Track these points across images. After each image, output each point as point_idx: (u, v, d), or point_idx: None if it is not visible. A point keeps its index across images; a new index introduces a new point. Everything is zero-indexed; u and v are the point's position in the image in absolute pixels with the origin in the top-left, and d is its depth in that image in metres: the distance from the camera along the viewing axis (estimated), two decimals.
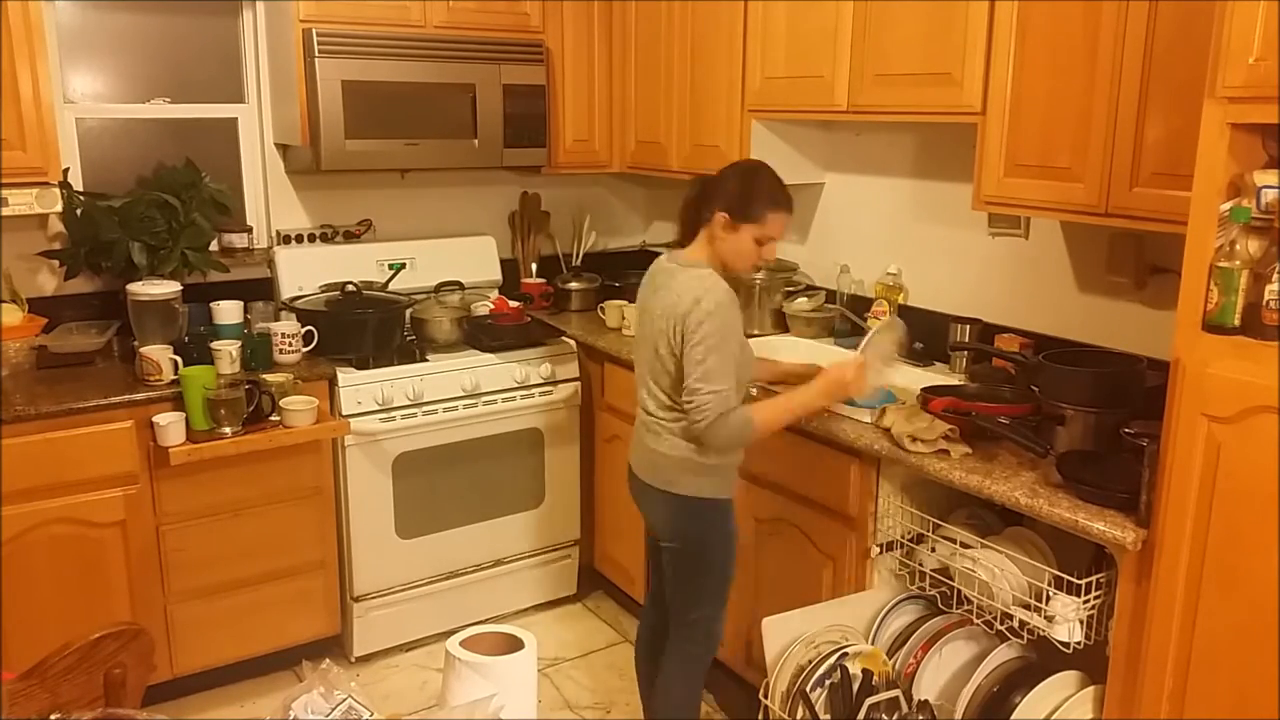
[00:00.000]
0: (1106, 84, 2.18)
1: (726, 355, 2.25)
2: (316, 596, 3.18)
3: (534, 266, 4.02)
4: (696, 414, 2.24)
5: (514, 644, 1.35)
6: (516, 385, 3.36)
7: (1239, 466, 1.77)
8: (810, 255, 3.56)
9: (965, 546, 2.27)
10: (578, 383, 3.49)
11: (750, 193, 2.31)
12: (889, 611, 2.48)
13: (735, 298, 2.31)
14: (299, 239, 3.61)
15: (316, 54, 3.12)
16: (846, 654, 2.28)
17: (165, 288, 3.05)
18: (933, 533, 2.39)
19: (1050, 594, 2.10)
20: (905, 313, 3.18)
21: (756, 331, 3.37)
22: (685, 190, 2.46)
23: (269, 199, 3.57)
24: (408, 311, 3.41)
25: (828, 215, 3.49)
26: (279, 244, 3.57)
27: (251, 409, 2.84)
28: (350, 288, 3.35)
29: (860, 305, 3.27)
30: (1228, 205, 1.76)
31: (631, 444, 2.53)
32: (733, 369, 2.27)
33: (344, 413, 3.06)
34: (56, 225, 3.18)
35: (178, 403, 2.81)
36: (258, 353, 3.06)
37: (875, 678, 2.27)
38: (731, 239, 2.32)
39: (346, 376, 3.09)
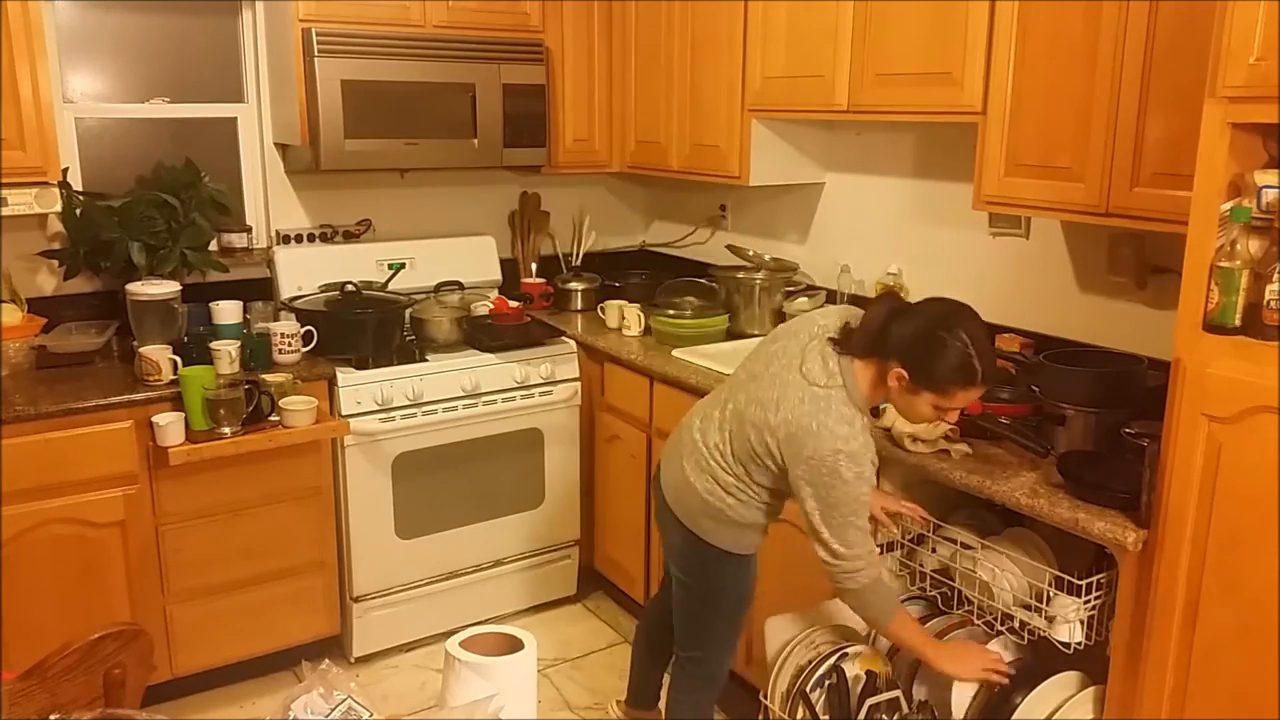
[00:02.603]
0: (1107, 84, 2.18)
1: (864, 514, 2.03)
2: (316, 597, 3.18)
3: (534, 266, 4.02)
4: (846, 578, 2.05)
5: (514, 644, 1.35)
6: (516, 385, 3.36)
7: (1239, 466, 1.76)
8: (810, 255, 3.56)
9: (966, 547, 2.27)
10: (578, 383, 3.49)
11: (944, 367, 1.93)
12: None
13: (873, 452, 2.05)
14: (298, 239, 3.61)
15: (316, 54, 3.12)
16: (846, 654, 2.28)
17: (165, 288, 3.05)
18: (933, 533, 2.39)
19: (1051, 594, 2.10)
20: None
21: (757, 331, 3.38)
22: (884, 296, 2.18)
23: (268, 199, 3.57)
24: (407, 311, 3.41)
25: (828, 215, 3.49)
26: (278, 244, 3.57)
27: (251, 409, 2.84)
28: (350, 288, 3.35)
29: (860, 305, 3.27)
30: (1228, 205, 1.76)
31: (665, 455, 2.40)
32: (868, 533, 2.07)
33: (343, 413, 3.06)
34: (56, 225, 3.17)
35: (177, 403, 2.81)
36: (257, 353, 3.06)
37: (878, 679, 2.26)
38: (904, 397, 2.02)
39: (346, 376, 3.09)
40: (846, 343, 2.08)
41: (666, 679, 2.62)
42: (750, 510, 2.23)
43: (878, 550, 2.07)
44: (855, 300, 3.31)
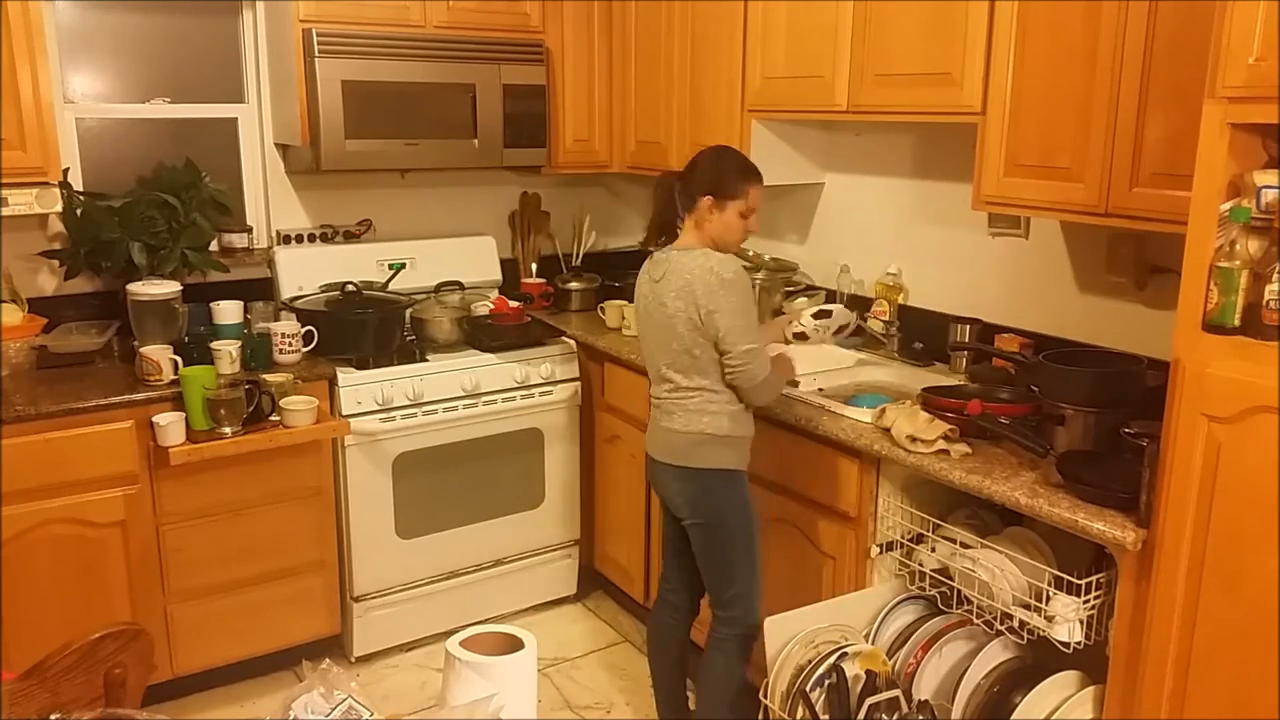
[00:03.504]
0: (1106, 84, 2.18)
1: (753, 315, 2.41)
2: (316, 596, 3.18)
3: (534, 266, 4.02)
4: (745, 375, 2.38)
5: (514, 644, 1.35)
6: (516, 385, 3.36)
7: (1239, 466, 1.77)
8: (810, 255, 3.56)
9: (965, 546, 2.27)
10: (578, 383, 3.49)
11: (727, 171, 2.45)
12: (889, 611, 2.48)
13: (741, 267, 2.43)
14: (299, 239, 3.61)
15: (316, 54, 3.12)
16: (846, 654, 2.28)
17: (165, 288, 3.05)
18: (933, 533, 2.39)
19: (1050, 594, 2.10)
20: (905, 313, 3.18)
21: None
22: (656, 186, 2.58)
23: (269, 199, 3.58)
24: (408, 311, 3.41)
25: (828, 215, 3.49)
26: (279, 244, 3.57)
27: (251, 409, 2.84)
28: (350, 288, 3.35)
29: (860, 305, 3.27)
30: (1228, 205, 1.76)
31: (647, 434, 2.62)
32: (758, 328, 2.44)
33: (344, 413, 3.06)
34: (56, 225, 3.18)
35: (178, 403, 2.81)
36: (258, 353, 3.06)
37: (878, 678, 2.27)
38: (719, 218, 2.45)
39: (346, 376, 3.09)
40: (660, 240, 2.55)
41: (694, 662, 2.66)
42: (723, 419, 2.45)
43: (764, 350, 2.44)
44: (854, 300, 3.31)
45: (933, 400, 2.48)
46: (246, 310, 3.26)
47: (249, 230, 3.47)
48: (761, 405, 2.53)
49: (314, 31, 3.11)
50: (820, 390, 2.82)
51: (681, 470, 2.49)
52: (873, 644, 2.39)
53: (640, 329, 2.60)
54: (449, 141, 3.42)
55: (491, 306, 3.54)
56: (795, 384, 2.75)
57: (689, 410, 2.46)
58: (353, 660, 3.30)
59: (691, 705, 2.78)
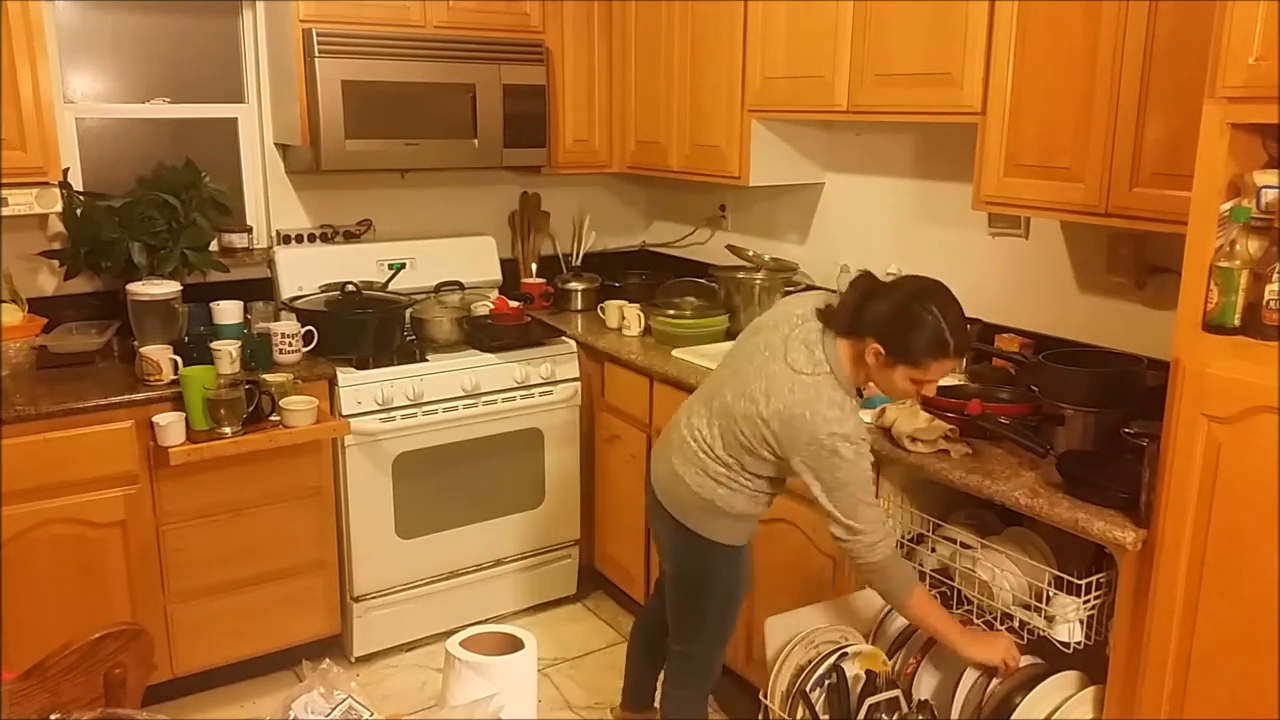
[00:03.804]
0: (1106, 84, 2.18)
1: (869, 487, 2.08)
2: (316, 596, 3.18)
3: (534, 266, 4.02)
4: (857, 557, 2.09)
5: (514, 644, 1.35)
6: (516, 385, 3.36)
7: (1239, 466, 1.77)
8: (810, 255, 3.56)
9: (965, 546, 2.27)
10: (578, 383, 3.49)
11: (919, 341, 2.00)
12: (889, 611, 2.47)
13: (865, 429, 2.12)
14: (299, 239, 3.61)
15: (316, 54, 3.12)
16: (846, 654, 2.28)
17: (165, 288, 3.05)
18: (933, 533, 2.39)
19: (1050, 594, 2.10)
20: None
21: None
22: (861, 278, 2.17)
23: (269, 199, 3.58)
24: (408, 311, 3.41)
25: (828, 215, 3.49)
26: (279, 244, 3.57)
27: (251, 409, 2.84)
28: (350, 288, 3.35)
29: None
30: (1228, 205, 1.76)
31: (655, 453, 2.44)
32: (876, 504, 2.12)
33: (344, 413, 3.06)
34: (56, 225, 3.18)
35: (178, 403, 2.81)
36: (258, 353, 3.06)
37: (878, 678, 2.27)
38: (881, 373, 2.08)
39: (346, 376, 3.09)
40: (827, 324, 2.13)
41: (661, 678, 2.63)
42: (740, 499, 2.25)
43: (891, 525, 2.12)
44: None
45: (933, 400, 2.47)
46: (246, 310, 3.26)
47: (249, 230, 3.47)
48: (872, 585, 2.17)
49: (314, 31, 3.11)
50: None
51: (678, 525, 2.32)
52: (873, 644, 2.39)
53: (733, 351, 2.30)
54: (449, 141, 3.42)
55: (491, 306, 3.54)
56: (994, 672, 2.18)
57: (708, 474, 2.23)
58: (353, 660, 3.30)
59: (656, 700, 2.76)
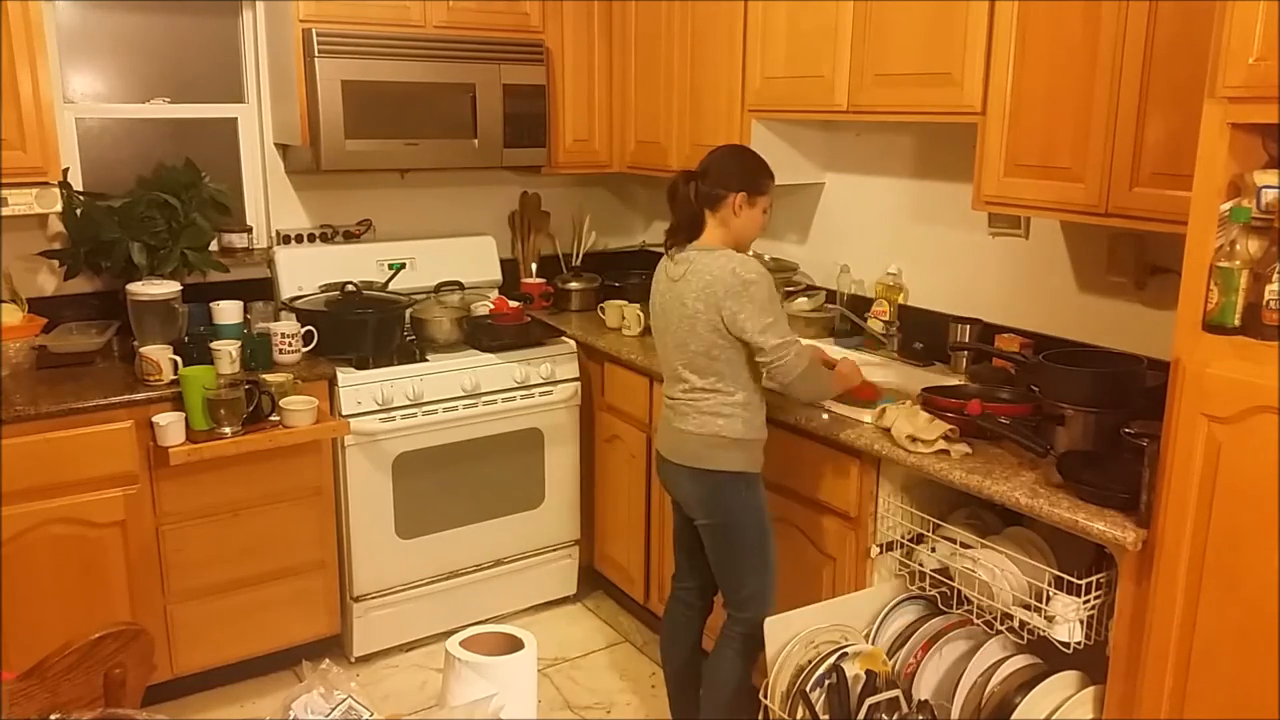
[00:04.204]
0: (1106, 84, 2.18)
1: (779, 311, 2.39)
2: (316, 596, 3.18)
3: (534, 266, 4.02)
4: (780, 369, 2.35)
5: (514, 644, 1.35)
6: (516, 385, 3.36)
7: (1239, 466, 1.77)
8: (810, 255, 3.56)
9: (965, 546, 2.27)
10: (578, 383, 3.49)
11: (757, 169, 2.50)
12: (889, 611, 2.48)
13: (756, 259, 2.45)
14: (299, 239, 3.61)
15: (316, 54, 3.12)
16: (846, 654, 2.28)
17: (165, 288, 3.05)
18: (933, 533, 2.39)
19: (1050, 594, 2.10)
20: (905, 312, 3.18)
21: None
22: (671, 188, 2.53)
23: (269, 199, 3.58)
24: (408, 311, 3.41)
25: (828, 215, 3.49)
26: (279, 244, 3.57)
27: (251, 409, 2.84)
28: (350, 288, 3.35)
29: (860, 305, 3.27)
30: (1228, 205, 1.76)
31: (658, 432, 2.61)
32: (786, 323, 2.42)
33: (344, 413, 3.06)
34: (56, 225, 3.18)
35: (177, 403, 2.81)
36: (258, 353, 3.06)
37: (878, 678, 2.27)
38: (747, 215, 2.46)
39: (346, 376, 3.09)
40: (686, 237, 2.49)
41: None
42: (736, 422, 2.44)
43: (800, 341, 2.43)
44: (854, 301, 3.31)
45: (933, 400, 2.48)
46: (246, 310, 3.26)
47: (249, 230, 3.47)
48: (806, 399, 2.55)
49: (314, 31, 3.11)
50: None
51: (694, 471, 2.49)
52: (873, 644, 2.39)
53: (656, 327, 2.59)
54: (449, 141, 3.42)
55: (491, 306, 3.54)
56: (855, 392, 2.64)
57: (703, 412, 2.45)
58: (353, 660, 3.30)
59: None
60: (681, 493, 2.58)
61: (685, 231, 2.52)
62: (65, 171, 3.02)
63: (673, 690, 2.78)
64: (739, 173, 2.47)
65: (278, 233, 3.58)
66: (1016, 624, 2.17)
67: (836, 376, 2.57)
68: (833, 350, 3.02)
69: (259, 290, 3.46)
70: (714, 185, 2.46)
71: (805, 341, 2.71)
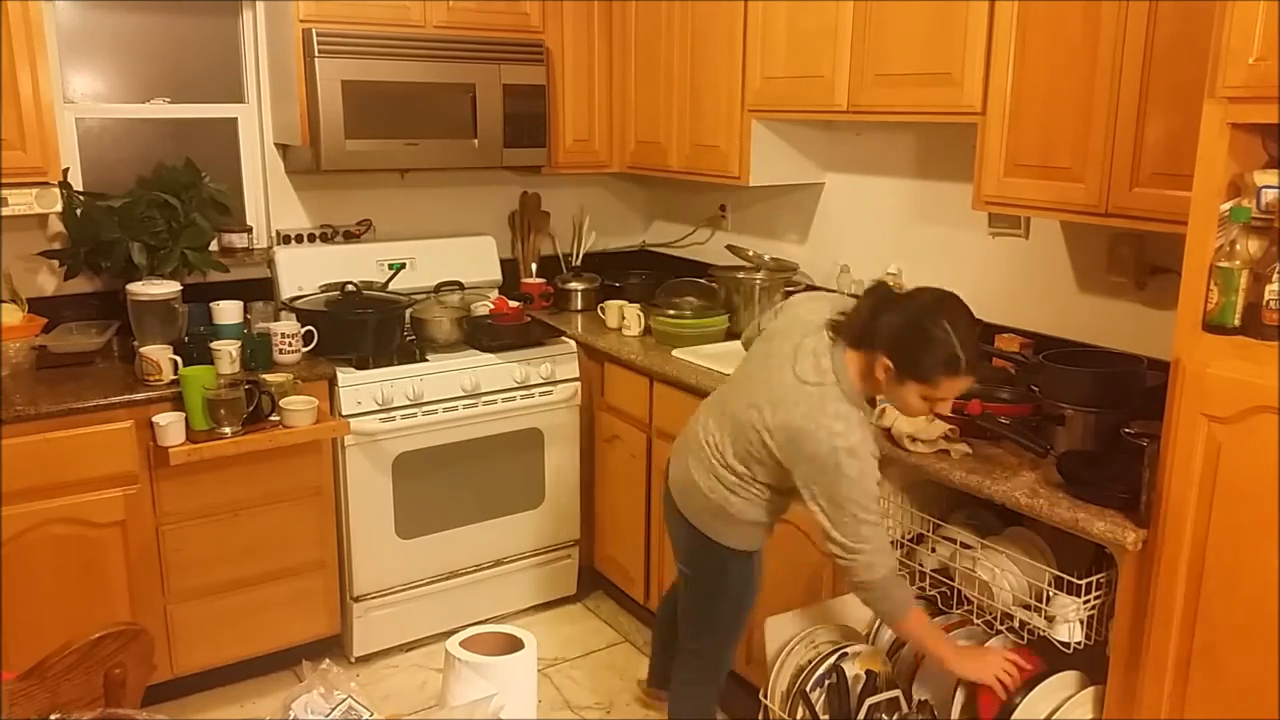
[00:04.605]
0: (1106, 84, 2.18)
1: (873, 508, 2.03)
2: (316, 596, 3.18)
3: (534, 266, 4.02)
4: (862, 571, 2.04)
5: (514, 644, 1.35)
6: (516, 385, 3.36)
7: (1239, 466, 1.77)
8: (810, 255, 3.56)
9: (965, 547, 2.27)
10: (578, 383, 3.49)
11: (929, 356, 1.95)
12: None
13: (873, 444, 2.06)
14: (299, 239, 3.61)
15: (316, 54, 3.12)
16: (846, 654, 2.28)
17: (165, 288, 3.05)
18: (933, 533, 2.39)
19: (1050, 594, 2.10)
20: None
21: None
22: (876, 296, 2.10)
23: (269, 199, 3.58)
24: (408, 311, 3.41)
25: (828, 215, 3.49)
26: (279, 244, 3.57)
27: (251, 409, 2.84)
28: (350, 288, 3.35)
29: None
30: (1228, 205, 1.76)
31: (674, 453, 2.44)
32: (881, 526, 2.06)
33: (344, 413, 3.06)
34: (56, 225, 3.18)
35: (178, 403, 2.81)
36: (258, 353, 3.06)
37: (878, 678, 2.27)
38: (892, 389, 2.04)
39: (346, 376, 3.09)
40: (837, 334, 2.09)
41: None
42: (753, 508, 2.25)
43: (890, 544, 2.09)
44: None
45: None
46: (246, 310, 3.26)
47: (249, 230, 3.47)
48: (877, 614, 2.19)
49: (314, 31, 3.11)
50: None
51: (692, 528, 2.32)
52: (873, 644, 2.39)
53: (741, 363, 2.30)
54: (449, 141, 3.42)
55: (491, 306, 3.54)
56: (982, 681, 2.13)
57: (720, 481, 2.23)
58: (353, 660, 3.30)
59: None
60: (674, 533, 2.44)
61: (846, 330, 2.07)
62: (65, 171, 3.02)
63: (656, 646, 2.78)
64: (902, 339, 1.97)
65: (278, 233, 3.58)
66: (1017, 624, 2.17)
67: (955, 654, 2.10)
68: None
69: (259, 290, 3.46)
70: (874, 322, 2.02)
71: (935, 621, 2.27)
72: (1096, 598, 2.08)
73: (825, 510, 2.04)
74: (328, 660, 1.39)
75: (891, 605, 2.09)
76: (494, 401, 3.33)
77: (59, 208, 3.02)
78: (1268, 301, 1.73)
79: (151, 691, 2.54)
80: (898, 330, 1.98)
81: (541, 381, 3.41)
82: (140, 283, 3.04)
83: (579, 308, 3.88)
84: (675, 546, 2.47)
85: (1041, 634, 2.11)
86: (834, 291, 3.38)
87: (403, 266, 3.60)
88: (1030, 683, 2.14)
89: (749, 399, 2.17)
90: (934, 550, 2.36)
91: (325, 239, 3.65)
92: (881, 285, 2.15)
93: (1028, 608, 2.14)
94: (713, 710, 2.54)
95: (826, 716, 2.24)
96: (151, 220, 3.09)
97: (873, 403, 2.15)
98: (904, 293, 2.11)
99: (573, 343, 3.51)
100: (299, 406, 2.90)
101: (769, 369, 2.15)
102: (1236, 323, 1.77)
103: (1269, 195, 1.72)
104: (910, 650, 2.37)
